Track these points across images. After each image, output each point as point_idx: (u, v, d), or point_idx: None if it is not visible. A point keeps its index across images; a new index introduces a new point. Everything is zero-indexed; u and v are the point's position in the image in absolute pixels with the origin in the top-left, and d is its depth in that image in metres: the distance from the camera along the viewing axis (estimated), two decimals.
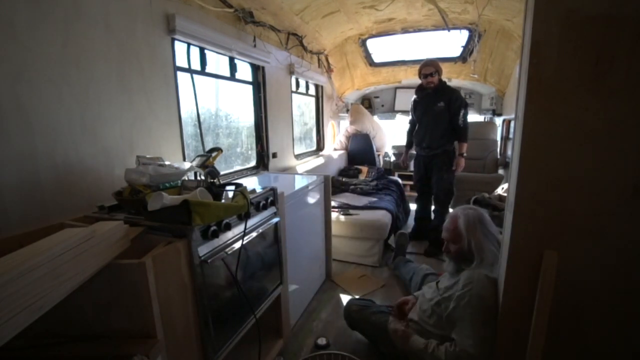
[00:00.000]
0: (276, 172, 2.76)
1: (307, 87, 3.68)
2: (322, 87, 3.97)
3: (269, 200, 1.54)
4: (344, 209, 2.94)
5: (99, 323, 0.90)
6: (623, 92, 0.86)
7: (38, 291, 0.65)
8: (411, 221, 3.52)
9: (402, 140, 3.35)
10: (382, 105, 5.00)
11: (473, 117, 4.46)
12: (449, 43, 5.18)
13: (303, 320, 2.06)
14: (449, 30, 3.36)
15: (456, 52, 3.76)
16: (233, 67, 2.30)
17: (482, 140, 4.09)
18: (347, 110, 4.63)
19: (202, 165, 1.49)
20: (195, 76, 1.93)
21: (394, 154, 4.76)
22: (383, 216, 2.81)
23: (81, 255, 0.77)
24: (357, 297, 2.28)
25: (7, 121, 1.05)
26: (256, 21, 2.33)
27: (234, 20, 2.18)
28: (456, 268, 1.44)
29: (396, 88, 4.78)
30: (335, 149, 4.52)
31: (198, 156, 1.58)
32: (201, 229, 1.10)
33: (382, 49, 4.08)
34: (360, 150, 4.42)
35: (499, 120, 4.21)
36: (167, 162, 1.33)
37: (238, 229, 1.29)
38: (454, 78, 3.90)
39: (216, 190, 1.20)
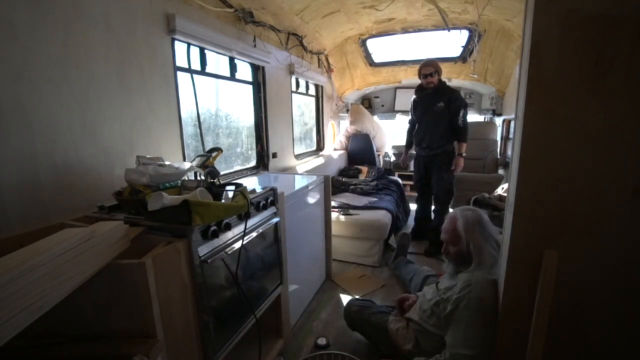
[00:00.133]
0: (276, 172, 2.76)
1: (307, 87, 3.68)
2: (322, 87, 3.97)
3: (269, 200, 1.54)
4: (344, 209, 2.94)
5: (99, 323, 0.90)
6: (623, 92, 0.86)
7: (38, 291, 0.65)
8: (411, 221, 3.52)
9: (402, 140, 3.35)
10: (382, 105, 5.00)
11: (473, 117, 4.46)
12: (449, 43, 5.18)
13: (303, 320, 2.06)
14: (449, 30, 3.36)
15: (456, 52, 3.76)
16: (233, 67, 2.30)
17: (482, 140, 4.09)
18: (347, 110, 4.63)
19: (202, 165, 1.49)
20: (195, 76, 1.93)
21: (394, 154, 4.76)
22: (383, 216, 2.81)
23: (81, 255, 0.77)
24: (357, 297, 2.28)
25: (7, 121, 1.05)
26: (256, 21, 2.33)
27: (234, 20, 2.18)
28: (455, 269, 1.44)
29: (396, 88, 4.78)
30: (335, 149, 4.52)
31: (198, 156, 1.58)
32: (201, 229, 1.10)
33: (382, 49, 4.08)
34: (360, 150, 4.42)
35: (499, 120, 4.21)
36: (167, 162, 1.33)
37: (238, 229, 1.29)
38: (454, 78, 3.90)
39: (216, 190, 1.20)
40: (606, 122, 0.88)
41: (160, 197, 1.00)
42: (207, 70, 2.06)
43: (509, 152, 3.71)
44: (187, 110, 1.93)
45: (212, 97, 2.41)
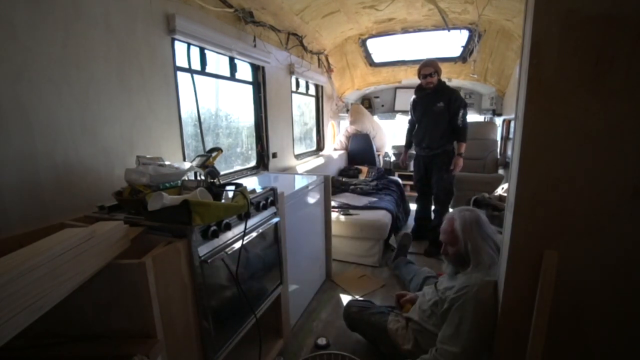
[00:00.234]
0: (276, 172, 2.76)
1: (307, 87, 3.68)
2: (322, 87, 3.97)
3: (269, 200, 1.54)
4: (344, 209, 2.94)
5: (99, 323, 0.90)
6: (623, 92, 0.86)
7: (38, 291, 0.65)
8: (411, 221, 3.52)
9: (402, 140, 3.35)
10: (382, 105, 5.00)
11: (473, 117, 4.46)
12: (449, 43, 5.18)
13: (303, 320, 2.06)
14: (449, 30, 3.36)
15: (456, 52, 3.76)
16: (233, 67, 2.30)
17: (482, 140, 4.09)
18: (347, 110, 4.63)
19: (202, 165, 1.49)
20: (195, 76, 1.93)
21: (394, 154, 4.76)
22: (383, 216, 2.81)
23: (81, 255, 0.77)
24: (356, 297, 2.28)
25: (7, 121, 1.05)
26: (256, 21, 2.33)
27: (234, 20, 2.18)
28: (455, 270, 1.44)
29: (396, 88, 4.78)
30: (335, 149, 4.52)
31: (198, 156, 1.58)
32: (201, 229, 1.10)
33: (382, 49, 4.08)
34: (360, 150, 4.42)
35: (499, 120, 4.21)
36: (167, 162, 1.33)
37: (238, 229, 1.29)
38: (454, 78, 3.90)
39: (216, 190, 1.20)
40: (606, 122, 0.88)
41: (160, 197, 1.00)
42: (207, 70, 2.06)
43: (509, 152, 3.72)
44: (187, 110, 1.93)
45: (212, 97, 2.41)
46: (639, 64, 0.83)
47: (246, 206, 1.24)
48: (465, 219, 1.41)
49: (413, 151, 3.25)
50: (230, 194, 1.27)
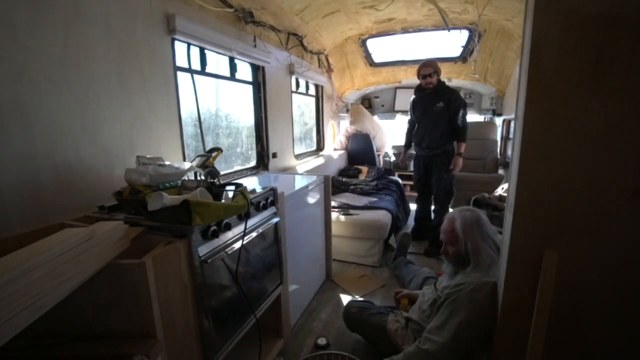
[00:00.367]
0: (276, 172, 2.76)
1: (307, 87, 3.68)
2: (322, 87, 3.97)
3: (269, 200, 1.54)
4: (344, 209, 2.94)
5: (99, 323, 0.90)
6: (623, 92, 0.86)
7: (38, 291, 0.65)
8: (411, 221, 3.52)
9: (402, 140, 3.35)
10: (382, 105, 5.00)
11: (473, 117, 4.46)
12: (449, 43, 5.18)
13: (303, 320, 2.06)
14: (449, 30, 3.36)
15: (456, 52, 3.76)
16: (233, 67, 2.30)
17: (482, 140, 4.09)
18: (347, 110, 4.63)
19: (202, 165, 1.49)
20: (195, 76, 1.93)
21: (394, 154, 4.76)
22: (383, 216, 2.81)
23: (81, 255, 0.77)
24: (356, 297, 2.28)
25: (7, 121, 1.05)
26: (256, 21, 2.33)
27: (234, 20, 2.18)
28: (454, 270, 1.45)
29: (396, 88, 4.78)
30: (335, 149, 4.52)
31: (198, 156, 1.58)
32: (201, 229, 1.10)
33: (382, 49, 4.08)
34: (360, 150, 4.42)
35: (499, 120, 4.21)
36: (167, 162, 1.33)
37: (238, 229, 1.29)
38: (454, 78, 3.90)
39: (216, 190, 1.20)
40: (606, 122, 0.88)
41: (160, 197, 1.00)
42: (207, 70, 2.06)
43: (509, 152, 3.71)
44: (187, 110, 1.93)
45: (212, 97, 2.41)
46: (639, 64, 0.83)
47: (246, 206, 1.24)
48: (465, 218, 1.41)
49: (413, 151, 3.25)
50: (230, 194, 1.27)
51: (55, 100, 1.19)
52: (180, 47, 1.80)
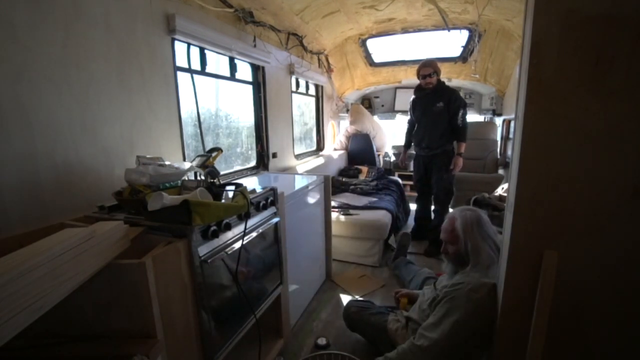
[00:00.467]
0: (276, 172, 2.76)
1: (307, 87, 3.68)
2: (322, 87, 3.97)
3: (269, 200, 1.54)
4: (344, 209, 2.94)
5: (99, 323, 0.90)
6: (623, 92, 0.86)
7: (38, 291, 0.65)
8: (411, 221, 3.52)
9: (402, 140, 3.35)
10: (382, 105, 5.00)
11: (473, 117, 4.46)
12: (449, 43, 5.18)
13: (303, 320, 2.06)
14: (449, 30, 3.36)
15: (456, 52, 3.76)
16: (233, 67, 2.30)
17: (482, 140, 4.09)
18: (347, 110, 4.63)
19: (202, 165, 1.49)
20: (195, 76, 1.93)
21: (394, 154, 4.76)
22: (383, 216, 2.81)
23: (81, 255, 0.77)
24: (356, 297, 2.28)
25: (7, 121, 1.05)
26: (256, 21, 2.33)
27: (234, 20, 2.18)
28: (454, 269, 1.45)
29: (396, 88, 4.78)
30: (335, 149, 4.52)
31: (198, 156, 1.58)
32: (201, 229, 1.10)
33: (382, 49, 4.08)
34: (360, 150, 4.42)
35: (499, 120, 4.21)
36: (167, 162, 1.33)
37: (238, 229, 1.29)
38: (454, 78, 3.90)
39: (216, 190, 1.20)
40: (606, 122, 0.88)
41: (160, 197, 1.00)
42: (207, 70, 2.06)
43: (509, 152, 3.71)
44: (187, 110, 1.93)
45: (212, 97, 2.41)
46: (639, 64, 0.83)
47: (246, 206, 1.24)
48: (466, 218, 1.41)
49: (412, 151, 3.25)
50: (230, 194, 1.27)
51: (55, 100, 1.19)
52: (180, 47, 1.81)
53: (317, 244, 2.38)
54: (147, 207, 1.01)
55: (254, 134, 2.69)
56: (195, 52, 1.96)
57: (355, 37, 3.78)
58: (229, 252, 1.21)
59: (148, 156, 1.33)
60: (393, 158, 4.76)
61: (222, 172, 2.16)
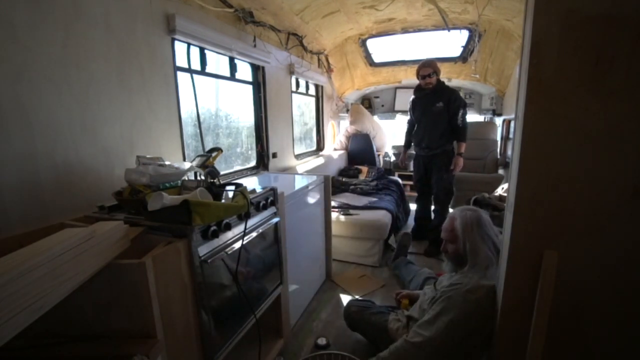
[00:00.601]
0: (276, 172, 2.76)
1: (307, 87, 3.68)
2: (322, 87, 3.97)
3: (269, 200, 1.54)
4: (344, 209, 2.94)
5: (99, 323, 0.90)
6: (623, 92, 0.86)
7: (38, 291, 0.65)
8: (411, 221, 3.52)
9: (402, 140, 3.35)
10: (382, 105, 5.00)
11: (473, 117, 4.46)
12: (449, 43, 5.19)
13: (303, 320, 2.06)
14: (449, 30, 3.36)
15: (456, 52, 3.76)
16: (233, 67, 2.30)
17: (482, 140, 4.09)
18: (347, 110, 4.63)
19: (202, 165, 1.49)
20: (195, 76, 1.93)
21: (394, 154, 4.76)
22: (383, 216, 2.81)
23: (81, 255, 0.77)
24: (357, 297, 2.28)
25: (7, 121, 1.05)
26: (256, 21, 2.33)
27: (234, 20, 2.18)
28: (453, 268, 1.46)
29: (396, 88, 4.78)
30: (335, 149, 4.52)
31: (198, 156, 1.58)
32: (201, 229, 1.10)
33: (382, 49, 4.08)
34: (360, 150, 4.42)
35: (499, 120, 4.21)
36: (167, 162, 1.33)
37: (238, 229, 1.29)
38: (454, 78, 3.90)
39: (216, 190, 1.20)
40: (606, 122, 0.88)
41: (160, 197, 1.00)
42: (207, 70, 2.06)
43: (509, 152, 3.71)
44: (187, 110, 1.93)
45: (212, 97, 2.41)
46: (639, 64, 0.83)
47: (246, 206, 1.24)
48: (466, 218, 1.42)
49: (412, 151, 3.25)
50: (230, 194, 1.27)
51: (55, 100, 1.19)
52: (180, 47, 1.81)
53: (317, 244, 2.38)
54: (147, 207, 1.01)
55: (254, 134, 2.69)
56: (195, 52, 1.96)
57: (355, 37, 3.78)
58: (229, 252, 1.21)
59: (148, 156, 1.33)
60: (393, 158, 4.76)
61: (222, 172, 2.16)
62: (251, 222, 1.36)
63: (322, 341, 1.82)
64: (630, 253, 0.93)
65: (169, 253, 0.98)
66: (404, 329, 1.54)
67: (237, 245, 1.25)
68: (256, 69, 2.56)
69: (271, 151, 2.75)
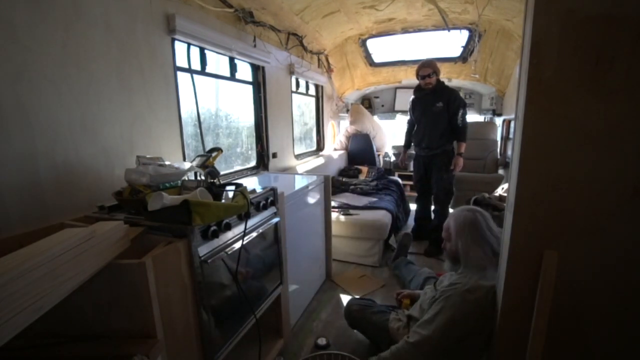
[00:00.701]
0: (276, 172, 2.76)
1: (307, 87, 3.68)
2: (322, 87, 3.97)
3: (269, 200, 1.54)
4: (344, 209, 2.94)
5: (99, 323, 0.90)
6: (623, 92, 0.86)
7: (38, 291, 0.65)
8: (411, 221, 3.52)
9: (402, 140, 3.35)
10: (382, 105, 5.00)
11: (473, 117, 4.46)
12: (449, 43, 5.19)
13: (303, 320, 2.06)
14: (449, 30, 3.36)
15: (456, 52, 3.76)
16: (233, 67, 2.30)
17: (482, 140, 4.09)
18: (347, 110, 4.63)
19: (202, 165, 1.49)
20: (195, 76, 1.92)
21: (394, 154, 4.76)
22: (383, 216, 2.81)
23: (81, 255, 0.77)
24: (357, 297, 2.28)
25: (7, 121, 1.05)
26: (256, 21, 2.33)
27: (234, 20, 2.18)
28: (451, 267, 1.49)
29: (396, 88, 4.78)
30: (335, 149, 4.52)
31: (198, 156, 1.58)
32: (201, 229, 1.10)
33: (382, 49, 4.08)
34: (360, 150, 4.42)
35: (499, 120, 4.21)
36: (167, 162, 1.33)
37: (238, 229, 1.29)
38: (454, 78, 3.90)
39: (216, 190, 1.20)
40: (606, 122, 0.88)
41: (160, 197, 1.00)
42: (207, 70, 2.06)
43: (509, 152, 3.71)
44: (187, 110, 1.93)
45: (212, 97, 2.41)
46: (639, 64, 0.83)
47: (246, 206, 1.24)
48: (460, 219, 1.44)
49: (412, 151, 3.25)
50: (230, 194, 1.27)
51: (55, 100, 1.19)
52: (180, 47, 1.80)
53: (317, 244, 2.38)
54: (147, 207, 1.01)
55: (254, 134, 2.69)
56: (195, 52, 1.96)
57: (355, 37, 3.78)
58: (229, 252, 1.21)
59: (148, 156, 1.33)
60: (393, 158, 4.76)
61: (222, 172, 2.16)
62: (251, 222, 1.36)
63: (322, 341, 1.82)
64: (630, 253, 0.93)
65: (169, 253, 0.98)
66: (405, 328, 1.54)
67: (237, 245, 1.25)
68: (256, 69, 2.56)
69: (271, 151, 2.75)
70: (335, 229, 2.67)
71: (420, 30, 3.58)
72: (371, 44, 3.94)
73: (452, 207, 3.08)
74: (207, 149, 1.69)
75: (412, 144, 3.17)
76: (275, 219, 1.56)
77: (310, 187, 2.18)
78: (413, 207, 3.51)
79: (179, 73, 1.78)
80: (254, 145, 2.71)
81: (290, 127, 3.13)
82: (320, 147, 4.18)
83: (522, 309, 1.04)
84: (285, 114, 3.01)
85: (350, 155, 4.50)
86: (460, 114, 2.77)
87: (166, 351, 0.94)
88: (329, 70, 3.90)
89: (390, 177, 4.09)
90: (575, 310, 1.01)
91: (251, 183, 1.93)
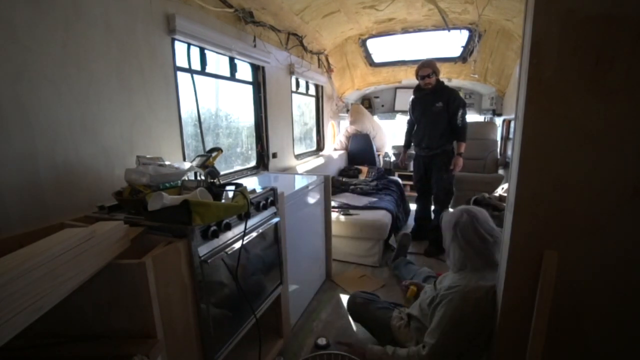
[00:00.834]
0: (276, 172, 2.76)
1: (307, 87, 3.68)
2: (322, 87, 3.97)
3: (269, 200, 1.54)
4: (344, 209, 2.94)
5: (99, 323, 0.90)
6: (623, 92, 0.86)
7: (38, 291, 0.65)
8: (411, 221, 3.52)
9: (402, 140, 3.35)
10: (382, 105, 5.00)
11: (473, 117, 4.46)
12: (449, 43, 5.19)
13: (303, 320, 2.06)
14: (449, 31, 3.36)
15: (456, 52, 3.76)
16: (233, 67, 2.30)
17: (482, 140, 4.09)
18: (347, 110, 4.63)
19: (202, 165, 1.49)
20: (195, 76, 1.92)
21: (394, 154, 4.76)
22: (383, 216, 2.81)
23: (81, 256, 0.77)
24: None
25: (7, 121, 1.05)
26: (256, 21, 2.33)
27: (234, 20, 2.18)
28: (449, 265, 1.50)
29: (396, 88, 4.78)
30: (335, 149, 4.51)
31: (198, 156, 1.58)
32: (201, 229, 1.10)
33: (382, 49, 4.08)
34: (360, 150, 4.42)
35: (499, 120, 4.21)
36: (167, 162, 1.33)
37: (238, 229, 1.29)
38: (454, 78, 3.90)
39: (216, 190, 1.20)
40: (606, 122, 0.88)
41: (160, 197, 1.00)
42: (207, 70, 2.06)
43: (509, 152, 3.71)
44: (187, 110, 1.93)
45: (212, 97, 2.41)
46: (639, 64, 0.83)
47: (246, 206, 1.24)
48: (446, 218, 1.46)
49: (412, 151, 3.25)
50: (230, 194, 1.27)
51: (55, 100, 1.19)
52: (180, 47, 1.80)
53: (317, 244, 2.38)
54: (147, 207, 1.01)
55: (254, 134, 2.69)
56: (195, 52, 1.95)
57: (355, 37, 3.78)
58: (229, 252, 1.21)
59: (148, 156, 1.33)
60: (393, 158, 4.76)
61: (222, 172, 2.16)
62: (251, 222, 1.36)
63: (322, 341, 1.82)
64: (630, 253, 0.93)
65: (169, 253, 0.98)
66: (405, 327, 1.56)
67: (237, 245, 1.25)
68: (256, 69, 2.56)
69: (271, 151, 2.75)
70: (335, 229, 2.67)
71: (420, 30, 3.58)
72: (371, 44, 3.94)
73: (452, 207, 3.07)
74: (207, 149, 1.69)
75: (412, 144, 3.17)
76: (275, 219, 1.56)
77: (310, 187, 2.18)
78: (413, 207, 3.51)
79: (179, 73, 1.78)
80: (254, 145, 2.71)
81: (290, 127, 3.13)
82: (320, 147, 4.18)
83: (522, 309, 1.04)
84: (285, 114, 3.01)
85: (350, 155, 4.50)
86: (460, 113, 2.77)
87: (166, 351, 0.94)
88: (329, 70, 3.89)
89: (390, 177, 4.09)
90: (575, 310, 1.01)
91: (251, 183, 1.93)
